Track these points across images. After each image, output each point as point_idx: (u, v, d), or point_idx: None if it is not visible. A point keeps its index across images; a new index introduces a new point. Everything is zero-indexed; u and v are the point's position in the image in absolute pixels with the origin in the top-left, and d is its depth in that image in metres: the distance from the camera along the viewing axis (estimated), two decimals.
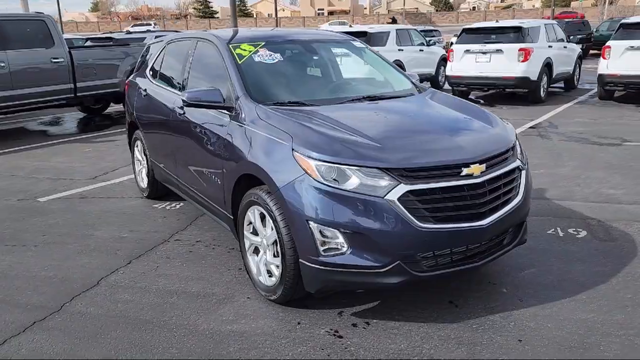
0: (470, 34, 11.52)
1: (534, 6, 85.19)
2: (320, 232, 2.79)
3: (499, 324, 2.99)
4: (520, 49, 10.62)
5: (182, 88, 4.32)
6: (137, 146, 5.48)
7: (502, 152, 3.13)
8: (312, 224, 2.80)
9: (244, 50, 3.88)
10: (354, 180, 2.77)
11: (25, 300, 3.41)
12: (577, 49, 13.26)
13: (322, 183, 2.79)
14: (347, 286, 2.98)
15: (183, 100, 3.61)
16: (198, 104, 3.59)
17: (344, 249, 2.79)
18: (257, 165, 3.11)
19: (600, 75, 10.88)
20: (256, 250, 3.42)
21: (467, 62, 11.26)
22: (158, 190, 5.28)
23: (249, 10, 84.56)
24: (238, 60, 3.77)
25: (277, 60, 3.91)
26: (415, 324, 3.00)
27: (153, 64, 5.16)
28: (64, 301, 3.38)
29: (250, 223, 3.39)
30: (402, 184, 2.74)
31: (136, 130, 5.39)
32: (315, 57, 4.28)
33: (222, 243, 4.22)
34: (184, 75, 4.34)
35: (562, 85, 13.07)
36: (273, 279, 3.21)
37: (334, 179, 2.79)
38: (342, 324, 3.03)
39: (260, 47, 3.95)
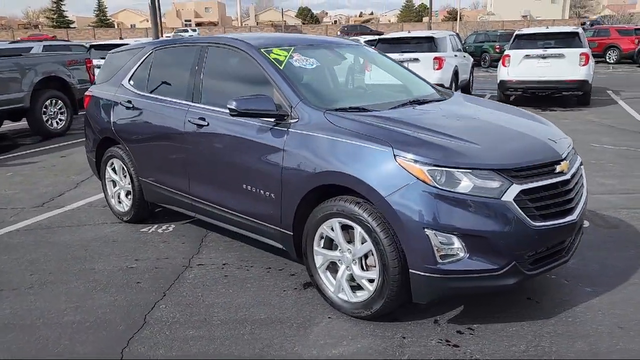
0: (385, 44, 11.97)
1: (389, 21, 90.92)
2: (438, 239, 2.69)
3: (590, 314, 3.10)
4: (435, 58, 11.27)
5: (194, 98, 3.93)
6: (110, 165, 4.87)
7: (571, 149, 3.28)
8: (428, 232, 2.68)
9: (279, 55, 3.63)
10: (466, 183, 2.71)
11: (69, 351, 2.85)
12: (471, 58, 14.43)
13: (437, 188, 2.69)
14: (461, 292, 2.91)
15: (231, 109, 3.28)
16: (249, 113, 3.29)
17: (462, 254, 2.72)
18: (350, 175, 2.90)
19: (501, 81, 11.89)
20: (331, 266, 3.21)
21: None
22: (144, 213, 4.75)
23: (110, 21, 79.67)
24: (279, 66, 3.53)
25: (314, 65, 3.72)
26: (517, 324, 3.01)
27: (134, 73, 4.62)
28: (120, 347, 2.87)
29: (322, 238, 3.18)
30: (514, 184, 2.74)
31: (111, 147, 4.79)
32: (345, 61, 4.14)
33: (254, 263, 3.90)
34: (195, 84, 3.94)
35: (460, 92, 14.08)
36: (362, 293, 3.03)
37: (445, 183, 2.71)
38: (447, 333, 2.94)
39: (293, 52, 3.72)
